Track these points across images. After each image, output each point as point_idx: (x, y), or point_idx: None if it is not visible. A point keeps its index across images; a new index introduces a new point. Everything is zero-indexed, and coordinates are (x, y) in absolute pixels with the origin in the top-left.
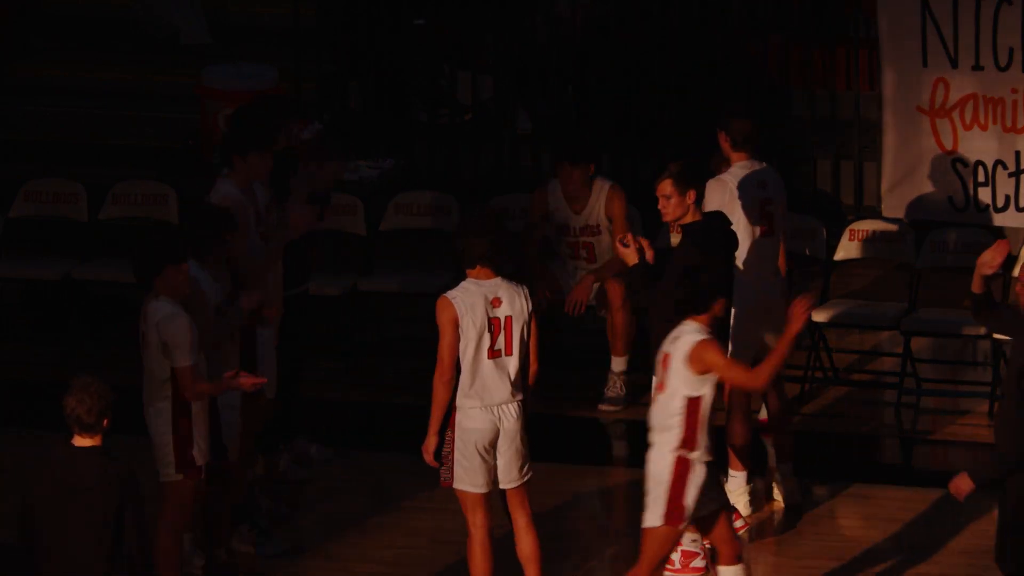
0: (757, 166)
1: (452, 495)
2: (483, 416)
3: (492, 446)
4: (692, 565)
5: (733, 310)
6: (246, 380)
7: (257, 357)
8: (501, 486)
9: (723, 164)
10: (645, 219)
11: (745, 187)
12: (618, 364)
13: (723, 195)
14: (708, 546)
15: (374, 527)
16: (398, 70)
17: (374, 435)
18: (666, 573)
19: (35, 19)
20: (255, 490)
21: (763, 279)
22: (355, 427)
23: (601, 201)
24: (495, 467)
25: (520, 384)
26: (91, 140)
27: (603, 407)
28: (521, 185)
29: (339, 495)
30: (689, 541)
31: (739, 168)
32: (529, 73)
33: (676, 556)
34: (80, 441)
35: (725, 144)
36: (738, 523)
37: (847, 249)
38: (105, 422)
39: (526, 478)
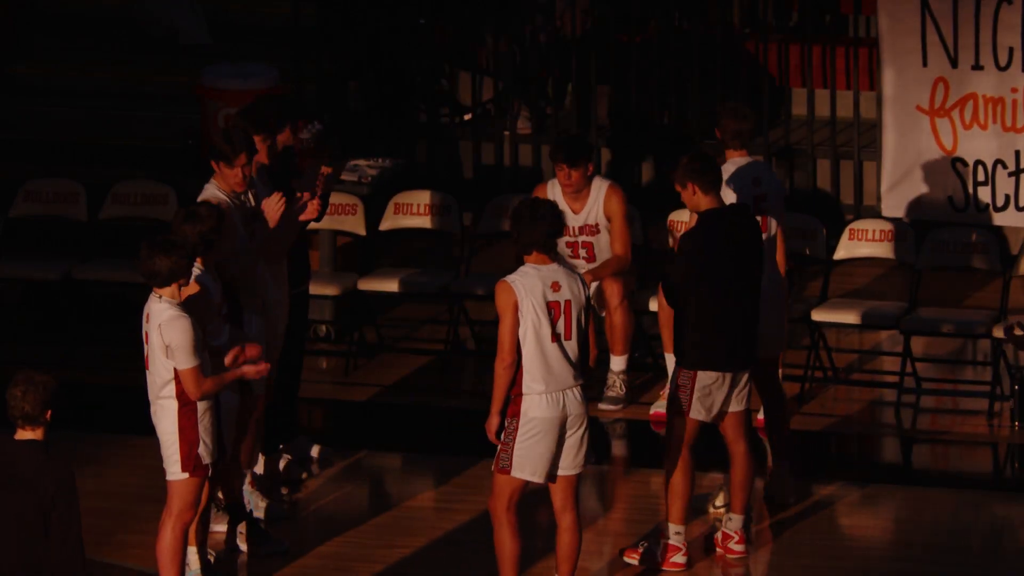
0: (750, 161)
1: (452, 494)
2: (550, 402)
3: (558, 433)
4: (672, 560)
5: None
6: (249, 368)
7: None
8: (560, 472)
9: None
10: (644, 218)
11: (738, 183)
12: (617, 364)
13: None
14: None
15: (374, 527)
16: (398, 70)
17: (374, 435)
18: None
19: (35, 19)
20: (247, 489)
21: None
22: (355, 427)
23: (600, 200)
24: (555, 456)
25: (581, 368)
26: (91, 140)
27: (603, 407)
28: (521, 185)
29: (339, 495)
30: (673, 533)
31: (732, 164)
32: (529, 73)
33: (658, 549)
34: (22, 434)
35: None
36: (739, 547)
37: (847, 249)
38: (48, 414)
39: (585, 466)
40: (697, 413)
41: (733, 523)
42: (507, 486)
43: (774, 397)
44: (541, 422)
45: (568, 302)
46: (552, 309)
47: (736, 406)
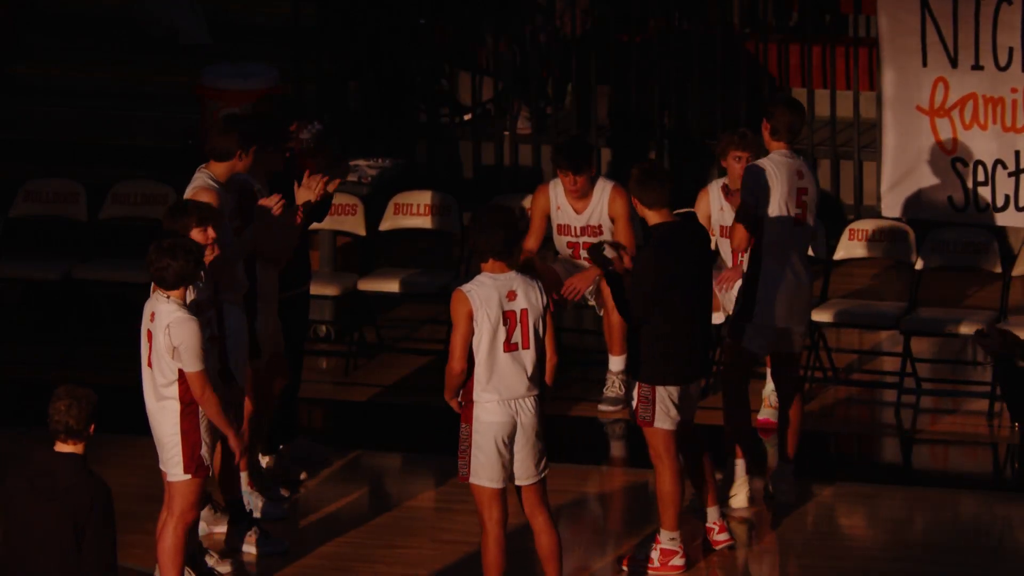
0: (794, 157)
1: (452, 494)
2: (501, 410)
3: (510, 440)
4: (671, 563)
5: (757, 296)
6: (234, 443)
7: (226, 349)
8: (517, 482)
9: (733, 154)
10: None
11: (784, 173)
12: (616, 364)
13: (761, 181)
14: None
15: (374, 527)
16: (398, 70)
17: (374, 435)
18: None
19: (35, 19)
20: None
21: (792, 268)
22: (355, 427)
23: (604, 201)
24: (512, 462)
25: (537, 378)
26: (91, 140)
27: (602, 407)
28: (521, 185)
29: (339, 495)
30: (668, 539)
31: (778, 155)
32: (529, 73)
33: (655, 555)
34: (62, 447)
35: (765, 133)
36: (723, 536)
37: (847, 249)
38: (92, 428)
39: (543, 474)
40: (663, 423)
41: (710, 516)
42: (481, 495)
43: (792, 395)
44: (493, 427)
45: (525, 311)
46: (508, 319)
47: (689, 414)
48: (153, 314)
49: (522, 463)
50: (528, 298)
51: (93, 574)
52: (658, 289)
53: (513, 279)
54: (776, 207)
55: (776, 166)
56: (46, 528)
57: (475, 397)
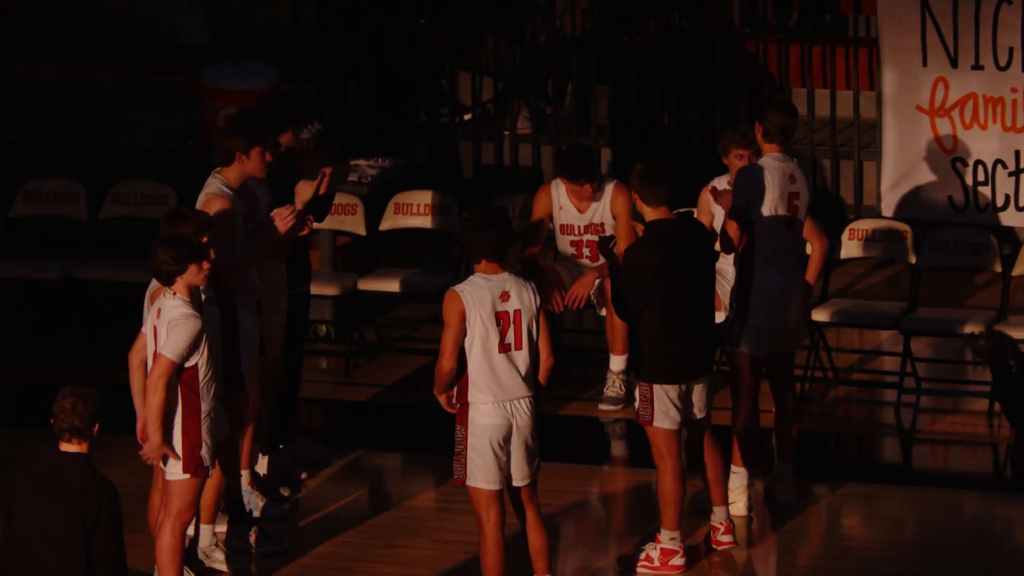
0: (787, 159)
1: (452, 494)
2: (496, 411)
3: (505, 442)
4: (671, 563)
5: (752, 299)
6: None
7: (240, 354)
8: (513, 483)
9: (735, 152)
10: None
11: (776, 177)
12: (617, 363)
13: (754, 183)
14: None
15: (374, 527)
16: (398, 70)
17: (374, 435)
18: (645, 570)
19: (35, 19)
20: (248, 489)
21: (784, 270)
22: (355, 427)
23: (606, 200)
24: (508, 463)
25: (531, 379)
26: (91, 140)
27: (603, 407)
28: (521, 185)
29: (339, 495)
30: (668, 539)
31: (771, 158)
32: (529, 73)
33: (655, 554)
34: (67, 447)
35: (758, 135)
36: (727, 537)
37: (847, 249)
38: (96, 428)
39: (536, 474)
40: (662, 422)
41: (717, 515)
42: (479, 497)
43: (788, 395)
44: (488, 429)
45: (518, 312)
46: (501, 319)
47: (698, 413)
48: (159, 310)
49: (517, 464)
50: (521, 299)
51: (107, 573)
52: (655, 285)
53: (506, 280)
54: (768, 210)
55: (769, 171)
56: (54, 527)
57: (470, 399)
